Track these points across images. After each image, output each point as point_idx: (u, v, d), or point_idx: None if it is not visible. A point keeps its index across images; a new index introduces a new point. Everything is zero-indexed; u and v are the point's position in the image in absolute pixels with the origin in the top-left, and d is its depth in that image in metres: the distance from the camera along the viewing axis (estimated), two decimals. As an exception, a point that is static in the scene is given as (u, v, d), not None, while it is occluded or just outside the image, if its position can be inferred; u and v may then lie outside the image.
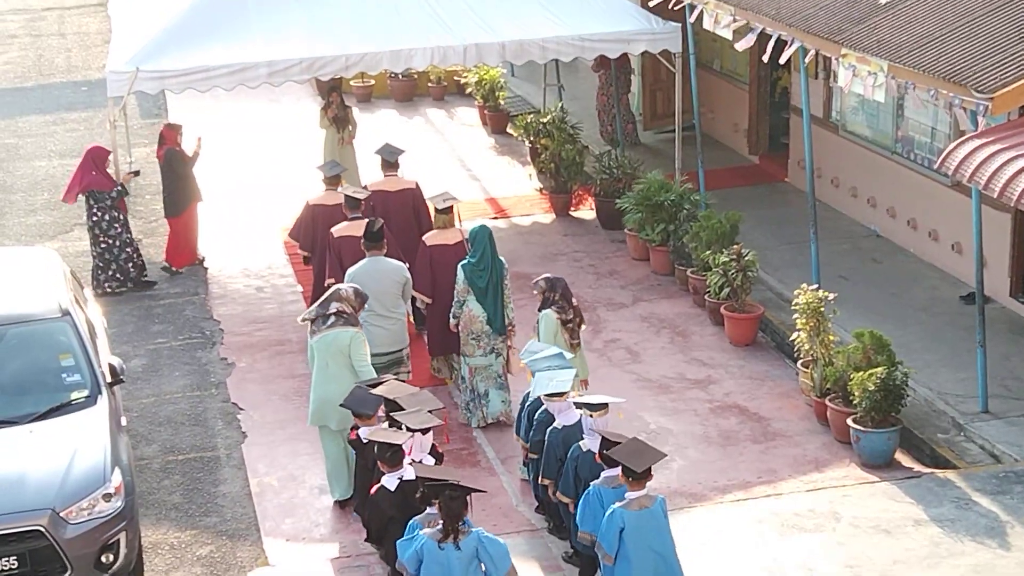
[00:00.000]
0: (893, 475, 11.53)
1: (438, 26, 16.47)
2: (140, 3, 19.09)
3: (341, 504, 11.45)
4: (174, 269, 16.71)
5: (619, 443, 9.05)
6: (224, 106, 23.42)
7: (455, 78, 24.13)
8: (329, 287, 12.14)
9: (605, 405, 9.74)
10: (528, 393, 10.92)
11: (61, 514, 9.88)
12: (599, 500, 9.15)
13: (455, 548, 8.43)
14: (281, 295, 16.12)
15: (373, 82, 24.25)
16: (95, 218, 15.90)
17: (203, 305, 15.88)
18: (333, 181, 14.87)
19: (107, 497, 10.10)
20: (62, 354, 11.19)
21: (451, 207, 13.43)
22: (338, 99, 18.01)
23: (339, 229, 13.62)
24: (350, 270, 12.54)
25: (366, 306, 11.63)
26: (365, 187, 14.95)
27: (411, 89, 24.66)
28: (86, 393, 10.94)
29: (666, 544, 8.93)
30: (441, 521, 8.49)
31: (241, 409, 13.35)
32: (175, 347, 14.79)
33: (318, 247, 14.26)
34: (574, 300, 11.87)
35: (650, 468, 8.84)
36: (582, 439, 9.86)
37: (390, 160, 14.92)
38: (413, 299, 13.13)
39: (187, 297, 16.11)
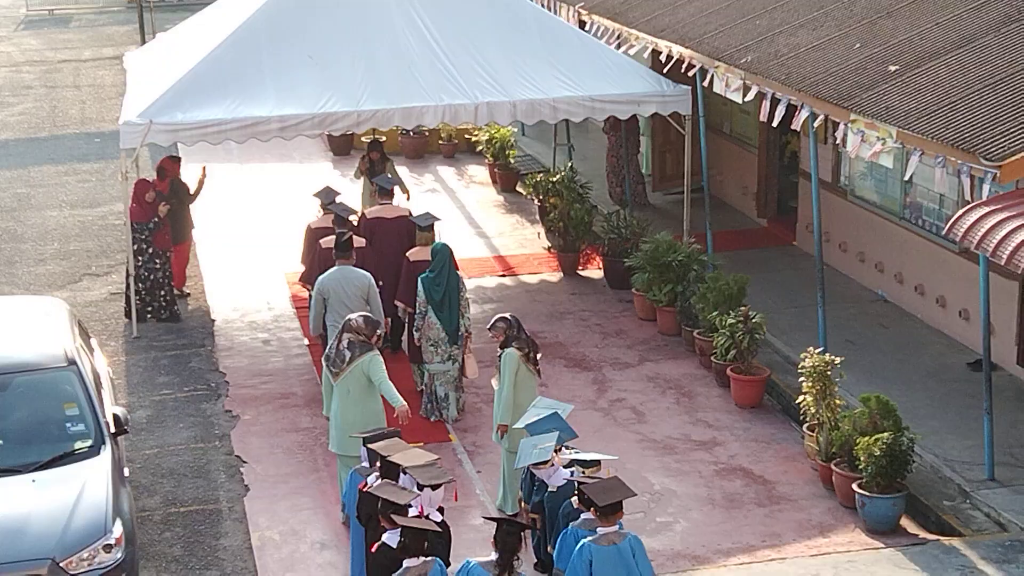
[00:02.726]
0: (898, 541, 11.46)
1: (450, 84, 16.59)
2: (155, 57, 19.29)
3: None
4: (183, 290, 17.71)
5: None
6: (235, 160, 23.55)
7: (466, 136, 24.29)
8: (310, 292, 14.40)
9: (598, 462, 9.78)
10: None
11: (61, 564, 9.84)
12: (575, 540, 9.31)
13: None
14: (287, 348, 16.13)
15: (384, 138, 24.30)
16: (133, 247, 16.52)
17: (209, 357, 15.89)
18: (328, 207, 15.93)
19: (108, 548, 10.07)
20: (67, 403, 11.20)
21: (432, 225, 14.72)
22: (377, 155, 18.74)
23: (326, 241, 14.79)
24: (320, 278, 13.87)
25: (334, 309, 13.41)
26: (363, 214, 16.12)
27: (422, 146, 24.80)
28: (90, 443, 10.94)
29: None
30: (497, 555, 8.62)
31: (244, 462, 13.31)
32: (180, 399, 14.79)
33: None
34: (529, 337, 12.17)
35: (620, 504, 9.02)
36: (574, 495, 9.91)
37: (386, 188, 16.12)
38: (394, 318, 14.54)
39: (193, 349, 16.13)
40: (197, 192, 17.79)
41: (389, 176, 16.78)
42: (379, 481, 9.82)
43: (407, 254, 14.55)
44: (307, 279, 15.20)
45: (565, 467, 10.39)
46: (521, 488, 11.09)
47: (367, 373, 11.69)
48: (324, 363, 11.96)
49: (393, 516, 9.10)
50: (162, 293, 16.73)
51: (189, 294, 17.78)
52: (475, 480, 12.78)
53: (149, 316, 16.71)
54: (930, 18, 14.52)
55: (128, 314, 16.69)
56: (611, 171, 20.99)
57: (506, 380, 11.83)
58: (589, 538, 9.00)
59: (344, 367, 11.72)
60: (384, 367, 11.82)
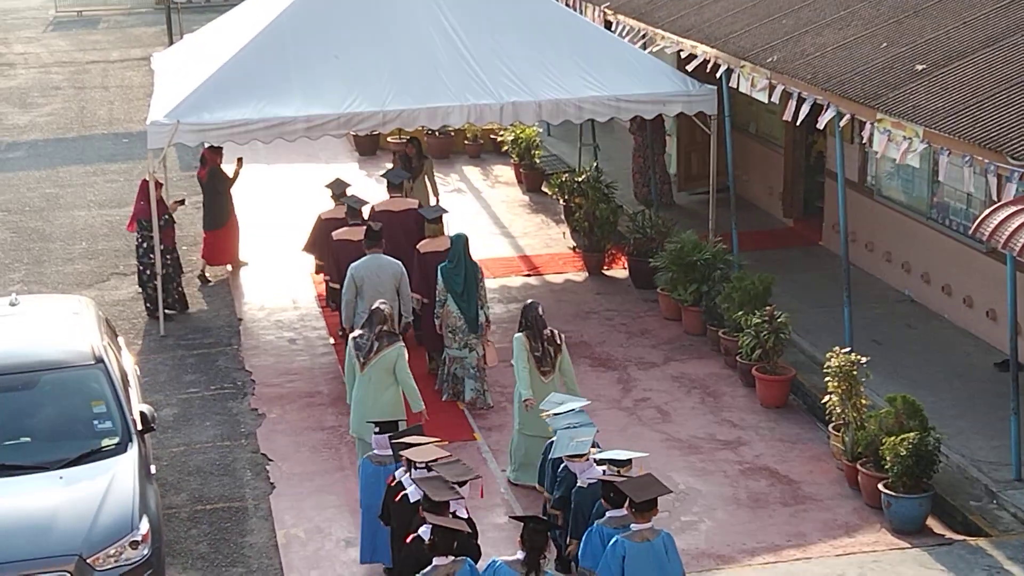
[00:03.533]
0: (924, 542, 11.42)
1: (475, 84, 16.61)
2: (182, 58, 19.40)
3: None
4: (207, 277, 18.43)
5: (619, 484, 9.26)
6: (261, 161, 23.63)
7: (491, 136, 24.30)
8: (326, 283, 15.55)
9: (630, 461, 9.77)
10: (551, 443, 10.93)
11: (88, 560, 9.91)
12: (600, 538, 9.30)
13: None
14: (313, 347, 16.19)
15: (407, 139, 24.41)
16: (137, 243, 17.03)
17: (236, 356, 15.96)
18: (339, 199, 16.58)
19: (134, 545, 10.13)
20: (94, 401, 11.28)
21: (440, 217, 15.16)
22: (413, 150, 18.87)
23: (339, 233, 15.32)
24: (353, 265, 14.13)
25: (368, 297, 13.59)
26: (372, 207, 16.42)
27: (448, 146, 24.83)
28: (117, 440, 11.01)
29: None
30: (524, 553, 8.68)
31: (270, 460, 13.37)
32: (207, 397, 14.86)
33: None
34: (547, 330, 12.36)
35: (655, 501, 9.02)
36: None
37: (395, 183, 16.53)
38: (414, 310, 14.62)
39: (220, 348, 16.21)
40: (234, 179, 18.50)
41: (399, 171, 17.31)
42: (407, 474, 9.88)
43: (418, 247, 14.85)
44: (331, 275, 15.74)
45: (597, 464, 10.36)
46: (540, 476, 11.12)
47: (393, 364, 11.95)
48: (353, 349, 12.12)
49: (425, 513, 9.12)
50: (174, 286, 17.04)
51: (246, 263, 18.80)
52: (499, 479, 12.79)
53: (167, 310, 16.90)
54: (957, 17, 14.46)
55: (152, 313, 16.83)
56: (637, 171, 20.97)
57: (516, 361, 12.30)
58: (623, 534, 9.00)
59: (372, 356, 11.95)
60: (406, 361, 12.07)
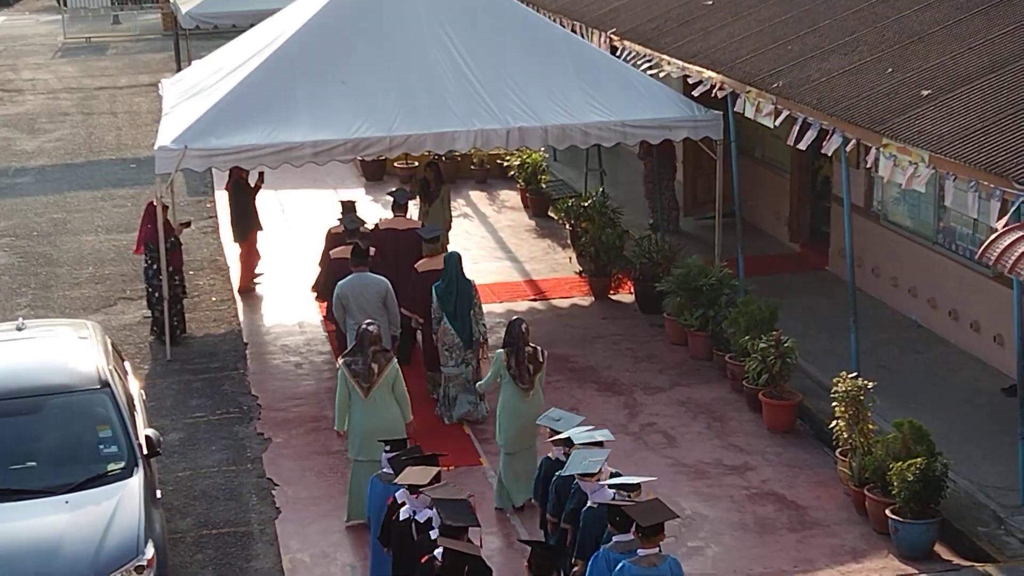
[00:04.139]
0: (932, 567, 11.37)
1: (482, 109, 16.66)
2: (190, 83, 19.45)
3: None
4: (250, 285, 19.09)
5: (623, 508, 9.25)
6: (269, 187, 23.66)
7: (497, 161, 24.36)
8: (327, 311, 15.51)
9: (638, 486, 9.75)
10: (546, 458, 10.98)
11: (94, 585, 9.90)
12: (607, 563, 9.27)
13: None
14: (319, 371, 16.19)
15: (416, 164, 24.49)
16: (145, 266, 17.09)
17: (242, 380, 15.97)
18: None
19: (140, 569, 10.12)
20: (100, 425, 11.29)
21: (437, 237, 15.60)
22: (431, 175, 18.91)
23: (336, 252, 15.64)
24: (339, 284, 14.51)
25: (354, 315, 14.03)
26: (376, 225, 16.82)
27: (454, 171, 24.85)
28: (122, 465, 11.01)
29: None
30: None
31: (276, 485, 13.36)
32: (212, 421, 14.86)
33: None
34: (529, 348, 12.46)
35: (662, 526, 8.99)
36: None
37: (400, 202, 16.79)
38: (404, 328, 14.88)
39: (226, 372, 16.21)
40: (256, 190, 19.08)
41: (404, 189, 17.52)
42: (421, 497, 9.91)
43: (415, 265, 15.10)
44: (317, 289, 16.34)
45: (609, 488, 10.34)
46: (535, 492, 11.09)
47: (392, 381, 12.19)
48: (351, 377, 12.09)
49: (440, 536, 9.09)
50: (177, 308, 17.12)
51: (254, 287, 19.05)
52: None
53: (179, 334, 17.02)
54: (962, 43, 14.49)
55: (159, 336, 16.86)
56: (649, 196, 20.97)
57: (490, 372, 12.66)
58: (629, 559, 8.96)
59: (374, 379, 12.08)
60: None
